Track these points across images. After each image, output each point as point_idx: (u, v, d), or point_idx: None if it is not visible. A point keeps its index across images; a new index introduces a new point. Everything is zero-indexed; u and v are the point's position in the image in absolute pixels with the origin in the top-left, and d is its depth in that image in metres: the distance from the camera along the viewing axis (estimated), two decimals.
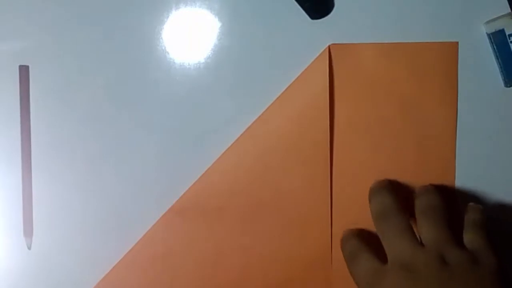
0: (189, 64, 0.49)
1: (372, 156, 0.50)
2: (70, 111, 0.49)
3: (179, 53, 0.49)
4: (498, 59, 0.49)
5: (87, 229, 0.50)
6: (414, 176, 0.50)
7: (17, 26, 0.48)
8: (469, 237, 0.44)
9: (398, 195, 0.48)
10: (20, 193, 0.49)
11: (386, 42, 0.49)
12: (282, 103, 0.49)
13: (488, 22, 0.49)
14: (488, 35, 0.49)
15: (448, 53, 0.50)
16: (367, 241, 0.48)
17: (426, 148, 0.50)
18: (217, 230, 0.50)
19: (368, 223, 0.50)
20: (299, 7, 0.48)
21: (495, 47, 0.49)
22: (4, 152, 0.49)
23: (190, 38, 0.49)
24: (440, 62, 0.50)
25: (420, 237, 0.45)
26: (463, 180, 0.51)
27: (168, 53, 0.49)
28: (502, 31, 0.48)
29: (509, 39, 0.48)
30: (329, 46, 0.49)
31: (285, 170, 0.50)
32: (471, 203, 0.47)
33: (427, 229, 0.45)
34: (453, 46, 0.49)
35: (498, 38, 0.48)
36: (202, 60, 0.49)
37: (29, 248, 0.50)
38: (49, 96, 0.49)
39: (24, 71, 0.48)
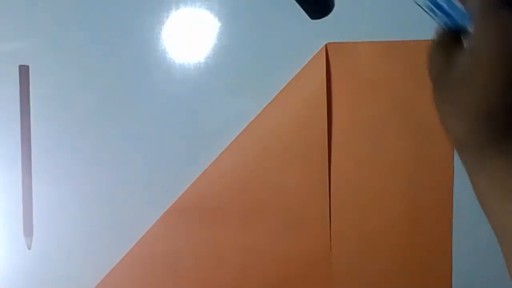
0: (189, 64, 0.49)
1: (370, 154, 0.50)
2: (70, 111, 0.49)
3: (179, 53, 0.49)
4: None
5: (87, 229, 0.50)
6: (412, 173, 0.50)
7: (17, 26, 0.48)
8: None
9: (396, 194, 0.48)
10: (20, 193, 0.49)
11: (383, 40, 0.49)
12: (280, 102, 0.49)
13: None
14: None
15: None
16: None
17: (424, 145, 0.50)
18: (216, 229, 0.50)
19: (367, 221, 0.50)
20: (296, 6, 0.48)
21: None
22: (4, 152, 0.49)
23: (190, 38, 0.49)
24: None
25: None
26: (461, 177, 0.51)
27: (168, 53, 0.49)
28: None
29: None
30: (326, 45, 0.49)
31: (283, 168, 0.50)
32: None
33: None
34: None
35: None
36: (202, 60, 0.49)
37: (29, 248, 0.50)
38: (49, 96, 0.49)
39: (24, 71, 0.48)
